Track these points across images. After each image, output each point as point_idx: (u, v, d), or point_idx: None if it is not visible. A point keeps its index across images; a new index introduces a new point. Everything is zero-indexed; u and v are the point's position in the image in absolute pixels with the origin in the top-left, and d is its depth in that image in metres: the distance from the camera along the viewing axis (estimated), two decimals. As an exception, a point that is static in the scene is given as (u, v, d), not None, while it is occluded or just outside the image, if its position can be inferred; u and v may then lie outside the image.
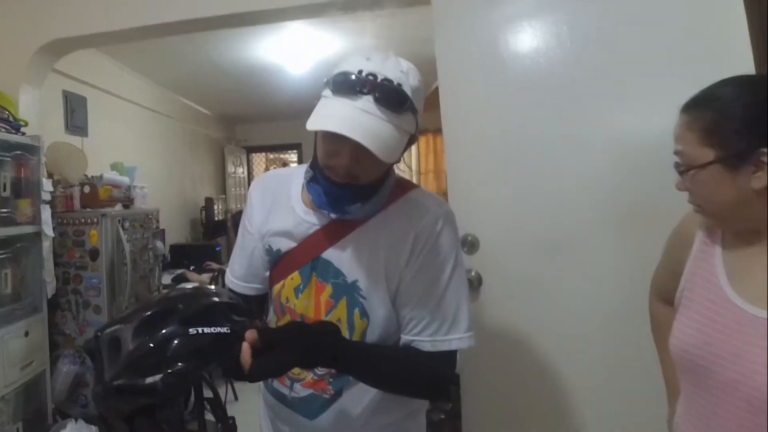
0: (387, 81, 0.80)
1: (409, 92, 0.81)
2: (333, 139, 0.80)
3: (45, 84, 2.73)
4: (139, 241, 3.05)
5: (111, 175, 3.13)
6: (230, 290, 1.07)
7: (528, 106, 1.59)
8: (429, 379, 0.91)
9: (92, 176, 3.03)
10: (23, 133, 2.39)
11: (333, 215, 0.91)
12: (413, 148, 7.16)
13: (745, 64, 1.33)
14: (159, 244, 3.28)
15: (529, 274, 1.60)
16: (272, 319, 1.05)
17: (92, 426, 1.07)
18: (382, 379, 0.90)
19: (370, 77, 0.80)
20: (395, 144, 0.80)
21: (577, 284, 1.55)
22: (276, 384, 1.02)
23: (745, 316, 0.75)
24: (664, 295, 1.01)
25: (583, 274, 1.54)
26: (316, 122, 0.80)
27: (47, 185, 2.47)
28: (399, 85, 0.80)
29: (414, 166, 7.26)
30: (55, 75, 3.12)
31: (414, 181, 7.43)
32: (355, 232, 0.92)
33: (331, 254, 0.93)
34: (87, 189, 2.85)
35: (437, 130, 1.66)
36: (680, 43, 1.45)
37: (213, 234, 5.66)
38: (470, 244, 1.64)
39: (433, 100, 1.72)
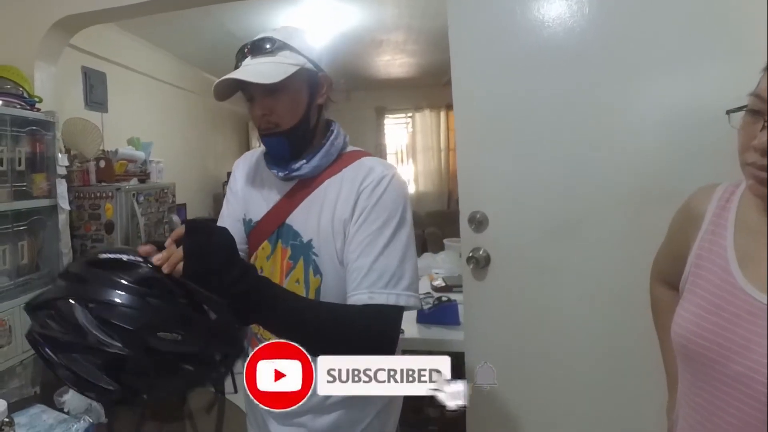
0: (254, 41, 0.97)
1: (279, 37, 0.95)
2: (248, 102, 0.97)
3: (64, 60, 2.74)
4: (154, 214, 3.08)
5: (126, 150, 3.16)
6: None
7: (542, 81, 1.51)
8: (360, 330, 0.84)
9: (108, 151, 3.06)
10: (38, 110, 2.41)
11: (281, 173, 0.98)
12: (411, 125, 7.04)
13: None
14: (175, 218, 3.31)
15: (538, 253, 1.55)
16: None
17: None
18: (300, 323, 0.81)
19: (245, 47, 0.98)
20: (275, 72, 0.91)
21: (587, 265, 1.50)
22: None
23: (757, 305, 0.69)
24: (667, 277, 0.95)
25: (593, 254, 1.49)
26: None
27: (63, 160, 2.49)
28: (263, 37, 0.96)
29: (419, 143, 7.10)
30: (74, 51, 3.14)
31: (419, 158, 7.32)
32: (311, 195, 0.99)
33: (291, 218, 1.00)
34: (102, 163, 2.88)
35: (449, 106, 1.59)
36: (704, 11, 1.34)
37: (234, 209, 5.69)
38: (478, 222, 1.59)
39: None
